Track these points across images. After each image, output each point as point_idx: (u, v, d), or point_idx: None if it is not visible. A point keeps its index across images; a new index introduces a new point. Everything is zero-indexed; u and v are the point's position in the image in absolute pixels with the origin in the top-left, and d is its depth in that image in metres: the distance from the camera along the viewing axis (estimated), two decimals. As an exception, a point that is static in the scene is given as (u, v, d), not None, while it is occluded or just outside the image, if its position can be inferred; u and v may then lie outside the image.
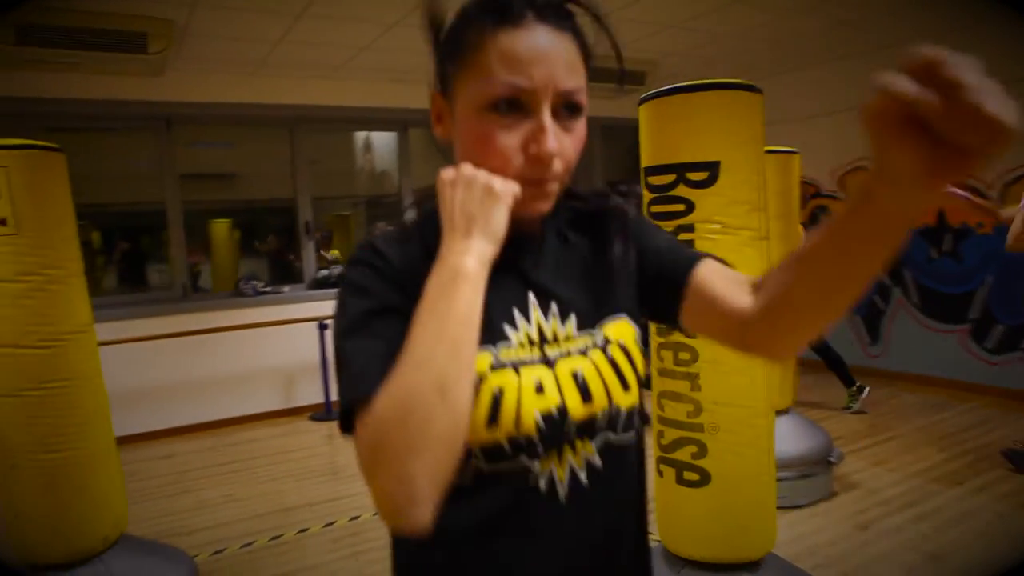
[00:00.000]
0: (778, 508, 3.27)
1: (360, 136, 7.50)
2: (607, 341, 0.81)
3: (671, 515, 2.29)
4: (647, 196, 2.17)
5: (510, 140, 0.72)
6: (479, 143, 0.74)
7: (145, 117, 5.09)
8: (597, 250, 0.86)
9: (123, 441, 4.91)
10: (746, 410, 2.12)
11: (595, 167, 6.64)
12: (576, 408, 0.77)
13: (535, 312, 0.80)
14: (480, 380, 0.74)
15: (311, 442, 4.94)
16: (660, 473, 2.27)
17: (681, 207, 2.06)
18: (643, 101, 2.14)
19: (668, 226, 2.10)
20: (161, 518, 3.70)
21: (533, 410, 0.75)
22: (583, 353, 0.79)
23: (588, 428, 0.78)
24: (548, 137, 0.71)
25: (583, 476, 0.78)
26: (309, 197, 5.88)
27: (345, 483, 4.06)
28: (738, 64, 5.60)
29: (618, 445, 0.81)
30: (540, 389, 0.75)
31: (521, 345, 0.78)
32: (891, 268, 5.74)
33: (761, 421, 2.14)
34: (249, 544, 3.29)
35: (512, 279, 0.81)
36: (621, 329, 0.82)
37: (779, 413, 3.54)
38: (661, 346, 2.20)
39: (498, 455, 0.75)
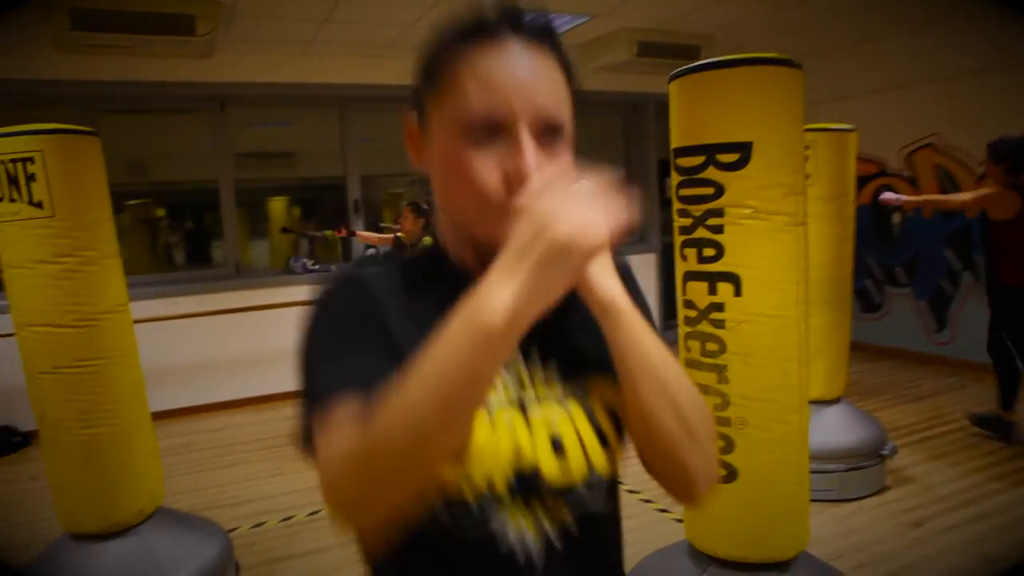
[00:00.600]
0: (825, 502, 3.16)
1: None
2: (587, 395, 0.74)
3: (696, 511, 2.20)
4: (676, 179, 2.06)
5: (487, 167, 0.66)
6: (454, 171, 0.67)
7: (200, 98, 5.21)
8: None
9: (177, 414, 5.14)
10: (777, 405, 2.01)
11: (648, 145, 6.46)
12: (551, 470, 0.70)
13: (517, 357, 0.74)
14: None
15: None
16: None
17: (710, 190, 1.94)
18: (673, 78, 2.03)
19: (697, 210, 1.99)
20: (208, 489, 3.82)
21: (505, 468, 0.69)
22: (561, 403, 0.73)
23: (564, 493, 0.71)
24: (526, 158, 0.64)
25: (558, 543, 0.71)
26: (358, 176, 5.92)
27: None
28: (803, 37, 5.32)
29: (597, 515, 0.74)
30: (515, 445, 0.70)
31: (504, 390, 0.72)
32: (960, 251, 5.42)
33: (793, 417, 2.03)
34: (288, 518, 3.36)
35: None
36: (607, 387, 0.75)
37: (828, 403, 3.39)
38: (688, 336, 2.10)
39: (463, 512, 0.68)
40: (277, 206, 7.43)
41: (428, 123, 0.71)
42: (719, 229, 1.95)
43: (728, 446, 2.05)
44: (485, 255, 0.65)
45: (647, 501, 3.37)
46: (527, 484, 0.70)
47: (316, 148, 7.08)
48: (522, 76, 0.66)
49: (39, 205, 2.30)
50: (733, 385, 2.01)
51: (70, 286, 2.37)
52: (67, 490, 2.48)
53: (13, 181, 2.29)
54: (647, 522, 3.17)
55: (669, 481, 0.73)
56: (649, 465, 0.74)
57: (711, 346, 2.02)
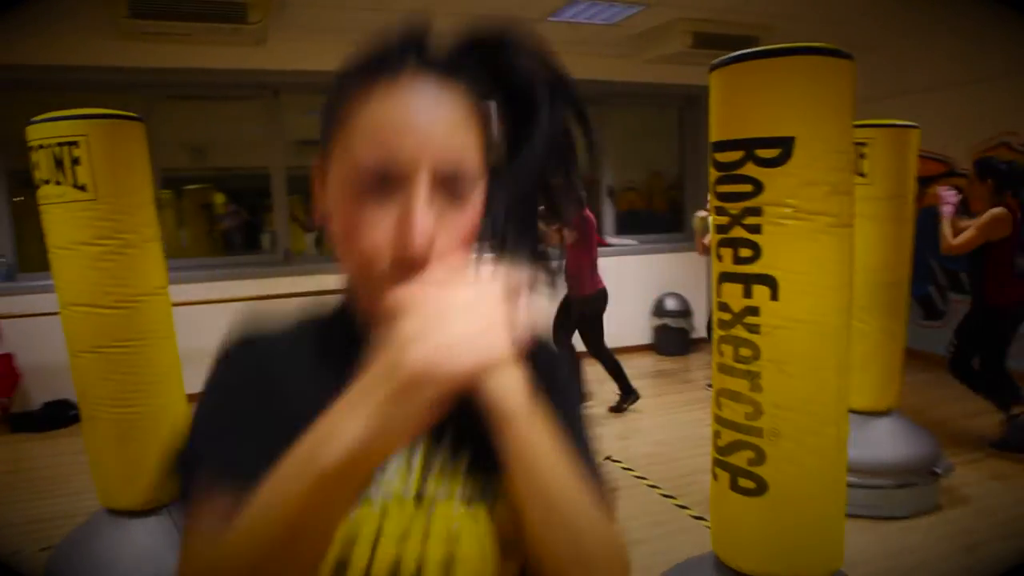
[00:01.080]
0: (870, 519, 3.02)
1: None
2: (496, 500, 0.63)
3: (724, 523, 2.11)
4: (713, 175, 1.97)
5: (373, 229, 0.56)
6: (340, 229, 0.59)
7: (253, 85, 5.29)
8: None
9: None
10: (812, 417, 1.90)
11: (704, 139, 6.25)
12: None
13: (423, 445, 0.64)
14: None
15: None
16: (714, 476, 2.10)
17: (748, 187, 1.85)
18: (713, 68, 1.93)
19: (734, 208, 1.90)
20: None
21: None
22: (468, 506, 0.63)
23: None
24: (414, 221, 0.54)
25: None
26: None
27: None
28: (867, 28, 5.07)
29: None
30: (398, 561, 0.60)
31: (399, 472, 0.62)
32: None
33: (830, 430, 1.92)
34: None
35: None
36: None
37: (878, 415, 3.23)
38: (721, 340, 2.01)
39: None
40: None
41: (329, 171, 0.61)
42: (757, 229, 1.85)
43: (759, 457, 1.95)
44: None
45: (682, 507, 3.28)
46: None
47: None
48: (419, 119, 0.56)
49: (83, 188, 2.36)
50: (766, 393, 1.92)
51: (111, 268, 2.42)
52: (104, 466, 2.55)
53: (59, 164, 2.35)
54: (680, 528, 3.08)
55: None
56: None
57: (744, 351, 1.93)
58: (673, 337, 6.38)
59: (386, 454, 0.49)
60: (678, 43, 4.96)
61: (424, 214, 0.55)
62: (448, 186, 0.57)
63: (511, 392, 0.55)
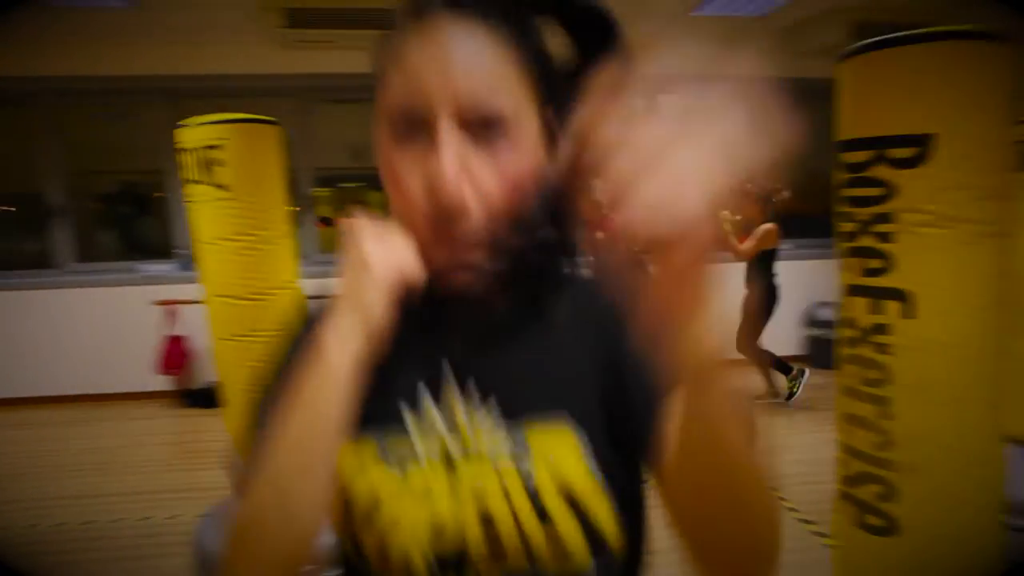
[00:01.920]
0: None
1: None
2: (529, 454, 0.59)
3: (848, 563, 1.90)
4: (841, 177, 1.77)
5: (412, 172, 0.57)
6: (385, 178, 0.60)
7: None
8: (551, 319, 0.62)
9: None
10: (954, 452, 1.66)
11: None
12: (479, 553, 0.58)
13: (450, 391, 0.62)
14: (356, 477, 0.61)
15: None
16: (839, 509, 1.90)
17: (879, 191, 1.64)
18: (841, 59, 1.74)
19: (862, 214, 1.70)
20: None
21: (422, 545, 0.58)
22: (493, 462, 0.60)
23: None
24: (441, 159, 0.54)
25: None
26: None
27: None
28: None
29: None
30: (433, 517, 0.59)
31: (421, 433, 0.61)
32: None
33: (976, 470, 1.67)
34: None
35: (427, 344, 0.63)
36: (557, 443, 0.59)
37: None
38: (846, 359, 1.81)
39: None
40: (377, 197, 7.68)
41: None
42: (888, 237, 1.64)
43: (889, 493, 1.74)
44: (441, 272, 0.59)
45: (820, 534, 3.02)
46: (452, 568, 0.59)
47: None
48: (445, 59, 0.55)
49: (224, 187, 2.55)
50: (899, 422, 1.70)
51: (247, 262, 2.60)
52: (240, 447, 2.74)
53: (204, 165, 2.56)
54: (815, 560, 2.82)
55: None
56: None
57: (872, 374, 1.72)
58: (825, 349, 5.91)
59: (357, 350, 0.57)
60: (835, 35, 4.58)
61: (449, 155, 0.54)
62: (479, 129, 0.56)
63: (710, 351, 0.44)
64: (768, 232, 4.54)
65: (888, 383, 1.70)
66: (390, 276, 0.57)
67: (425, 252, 0.59)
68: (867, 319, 1.72)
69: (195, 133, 2.56)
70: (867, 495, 1.78)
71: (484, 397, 0.62)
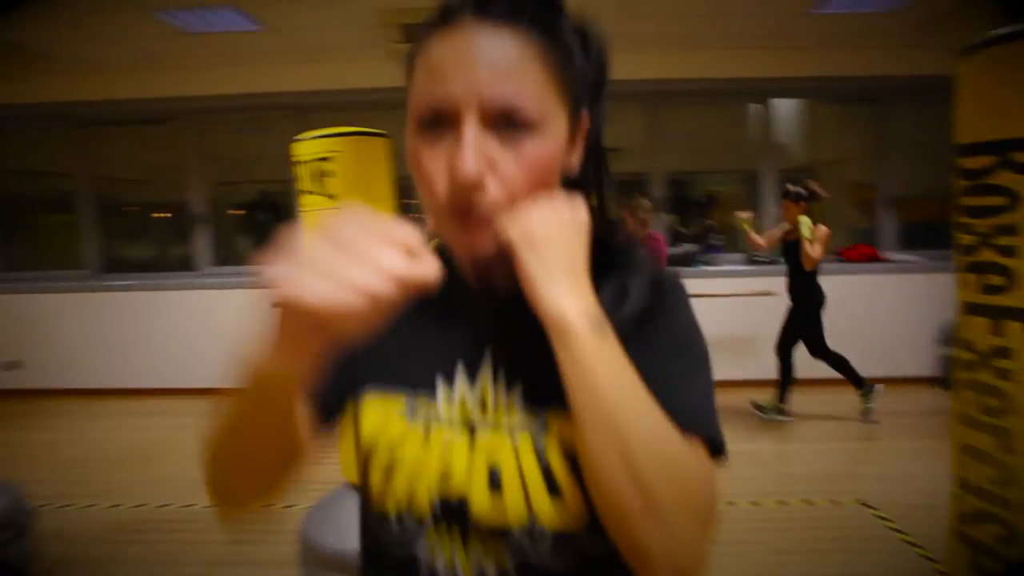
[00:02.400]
0: None
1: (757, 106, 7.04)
2: (545, 431, 0.63)
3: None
4: (960, 185, 1.62)
5: (436, 163, 0.59)
6: (412, 169, 0.63)
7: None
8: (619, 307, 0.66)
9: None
10: (1089, 495, 1.48)
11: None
12: (481, 504, 0.62)
13: (485, 372, 0.67)
14: (379, 428, 0.67)
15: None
16: (952, 550, 1.73)
17: (1001, 200, 1.49)
18: (963, 54, 1.59)
19: (982, 226, 1.54)
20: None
21: (429, 489, 0.64)
22: (511, 434, 0.64)
23: (500, 534, 0.63)
24: (464, 155, 0.56)
25: None
26: (663, 172, 5.86)
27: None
28: None
29: (542, 570, 0.63)
30: (445, 467, 0.64)
31: (449, 401, 0.66)
32: None
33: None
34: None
35: (473, 327, 0.68)
36: (570, 425, 0.61)
37: None
38: (963, 384, 1.65)
39: (385, 526, 0.66)
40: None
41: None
42: (1011, 251, 1.48)
43: (1011, 537, 1.57)
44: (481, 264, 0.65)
45: (943, 573, 2.77)
46: (453, 513, 0.64)
47: (635, 143, 7.16)
48: (471, 59, 0.57)
49: (333, 198, 2.68)
50: (1020, 457, 1.53)
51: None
52: (345, 442, 2.86)
53: (317, 176, 2.69)
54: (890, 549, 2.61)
55: (625, 555, 0.57)
56: (606, 529, 0.58)
57: (991, 401, 1.56)
58: (966, 371, 5.41)
59: (287, 369, 0.52)
60: (982, 26, 4.19)
61: (470, 150, 0.56)
62: (504, 127, 0.58)
63: (569, 309, 0.56)
64: (827, 233, 4.38)
65: (1009, 413, 1.53)
66: (314, 299, 0.45)
67: (457, 244, 0.63)
68: (986, 341, 1.56)
69: (308, 146, 2.70)
70: (984, 536, 1.61)
71: (514, 382, 0.66)
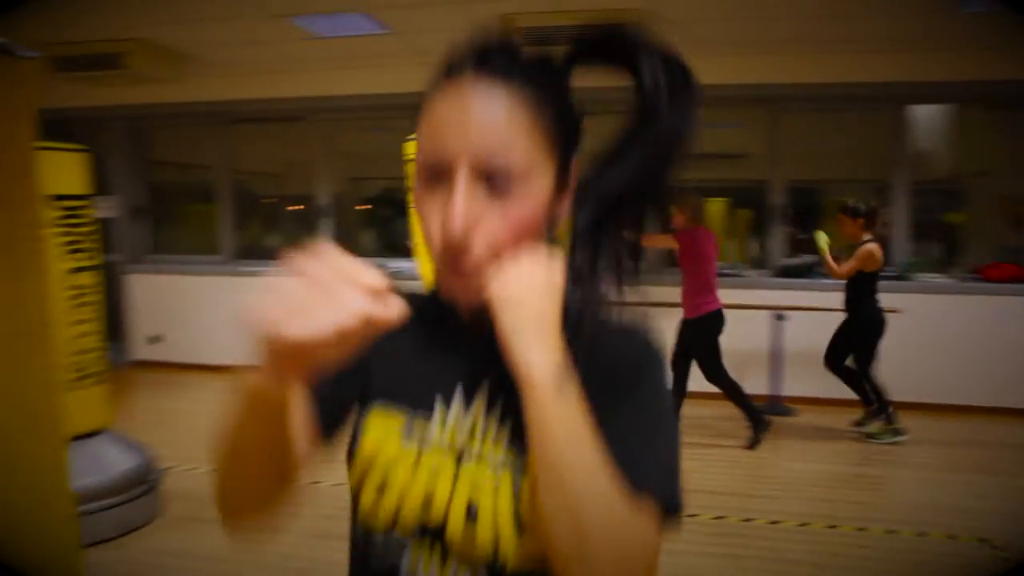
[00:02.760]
0: None
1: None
2: (524, 473, 0.67)
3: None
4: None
5: (433, 212, 0.65)
6: (416, 210, 0.68)
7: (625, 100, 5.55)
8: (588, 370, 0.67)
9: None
10: None
11: None
12: (455, 534, 0.68)
13: (480, 402, 0.71)
14: (379, 444, 0.72)
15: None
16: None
17: None
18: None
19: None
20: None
21: (413, 512, 0.69)
22: (495, 470, 0.69)
23: (469, 562, 0.69)
24: (453, 215, 0.61)
25: None
26: (785, 181, 5.66)
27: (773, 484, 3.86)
28: None
29: None
30: (428, 494, 0.69)
31: (443, 426, 0.71)
32: None
33: None
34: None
35: (476, 357, 0.72)
36: None
37: None
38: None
39: (372, 541, 0.72)
40: (713, 208, 7.40)
41: None
42: None
43: None
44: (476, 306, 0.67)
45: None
46: (433, 534, 0.69)
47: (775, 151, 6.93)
48: (466, 117, 0.62)
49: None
50: None
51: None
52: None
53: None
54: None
55: None
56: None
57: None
58: None
59: (275, 390, 0.56)
60: None
61: (461, 202, 0.61)
62: (492, 179, 0.62)
63: (535, 363, 0.60)
64: (869, 253, 4.26)
65: None
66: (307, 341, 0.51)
67: (449, 288, 0.68)
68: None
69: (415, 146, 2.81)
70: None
71: (505, 419, 0.70)
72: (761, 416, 4.38)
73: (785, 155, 5.65)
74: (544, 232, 0.68)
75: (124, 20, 4.59)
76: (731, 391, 4.36)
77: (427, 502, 0.68)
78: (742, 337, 5.35)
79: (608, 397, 0.65)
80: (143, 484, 3.24)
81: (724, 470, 4.08)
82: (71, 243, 3.00)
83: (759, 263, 5.93)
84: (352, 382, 0.74)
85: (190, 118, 6.44)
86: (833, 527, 3.32)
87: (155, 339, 6.44)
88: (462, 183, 0.61)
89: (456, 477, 0.69)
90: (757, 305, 5.16)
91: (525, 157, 0.63)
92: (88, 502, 2.85)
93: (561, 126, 0.67)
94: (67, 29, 4.67)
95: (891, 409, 4.42)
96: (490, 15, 4.31)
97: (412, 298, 0.77)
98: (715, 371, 4.35)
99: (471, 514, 0.67)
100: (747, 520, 3.40)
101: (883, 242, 4.49)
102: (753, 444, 4.35)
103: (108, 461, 3.11)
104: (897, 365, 4.46)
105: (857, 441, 4.55)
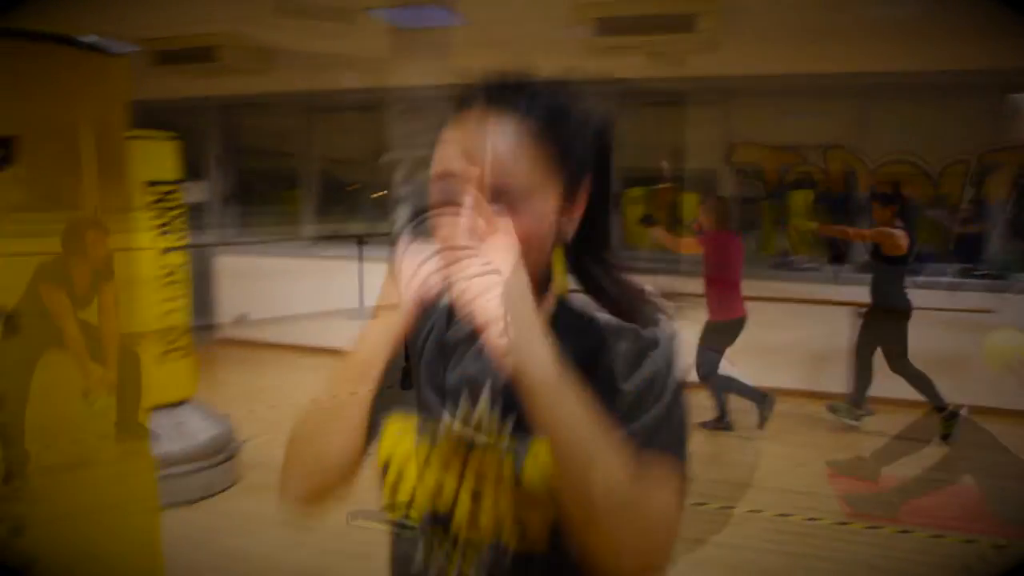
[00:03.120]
0: None
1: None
2: (527, 458, 0.73)
3: None
4: None
5: (443, 228, 0.71)
6: (434, 229, 0.75)
7: (702, 91, 5.47)
8: (587, 360, 0.73)
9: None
10: None
11: None
12: (461, 520, 0.75)
13: (485, 400, 0.78)
14: (397, 440, 0.80)
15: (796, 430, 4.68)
16: None
17: None
18: None
19: None
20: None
21: (424, 500, 0.77)
22: (500, 457, 0.75)
23: (474, 547, 0.75)
24: (460, 226, 0.67)
25: None
26: (868, 169, 5.47)
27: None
28: None
29: None
30: (439, 483, 0.76)
31: (451, 421, 0.78)
32: None
33: None
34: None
35: (479, 363, 0.79)
36: (549, 458, 0.70)
37: None
38: None
39: (391, 525, 0.81)
40: (796, 198, 7.17)
41: None
42: None
43: None
44: None
45: None
46: (441, 523, 0.76)
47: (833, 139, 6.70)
48: (474, 145, 0.70)
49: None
50: None
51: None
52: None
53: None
54: None
55: (586, 556, 0.67)
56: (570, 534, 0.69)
57: None
58: None
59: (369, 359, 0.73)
60: None
61: (467, 217, 0.67)
62: (496, 197, 0.69)
63: (533, 365, 0.64)
64: (889, 235, 4.30)
65: None
66: (412, 293, 0.69)
67: (453, 287, 0.72)
68: None
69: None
70: None
71: (508, 412, 0.75)
72: (764, 396, 4.51)
73: (870, 146, 5.43)
74: (549, 245, 0.75)
75: (216, 15, 4.84)
76: (726, 387, 4.58)
77: (437, 493, 0.76)
78: (820, 332, 5.21)
79: (612, 385, 0.72)
80: (223, 452, 3.45)
81: (789, 468, 4.02)
82: (162, 225, 3.21)
83: (838, 258, 5.73)
84: (389, 395, 0.82)
85: (275, 108, 6.72)
86: (905, 531, 3.22)
87: (241, 318, 6.78)
88: (468, 202, 0.67)
89: (464, 467, 0.76)
90: (835, 301, 5.00)
91: (526, 178, 0.70)
92: (170, 466, 3.06)
93: (567, 149, 0.73)
94: (165, 25, 4.96)
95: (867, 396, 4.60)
96: (563, 5, 4.32)
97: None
98: (710, 370, 4.52)
99: (476, 500, 0.74)
100: (812, 520, 3.34)
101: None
102: (762, 422, 4.52)
103: (191, 429, 3.34)
104: (982, 369, 4.22)
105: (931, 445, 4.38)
